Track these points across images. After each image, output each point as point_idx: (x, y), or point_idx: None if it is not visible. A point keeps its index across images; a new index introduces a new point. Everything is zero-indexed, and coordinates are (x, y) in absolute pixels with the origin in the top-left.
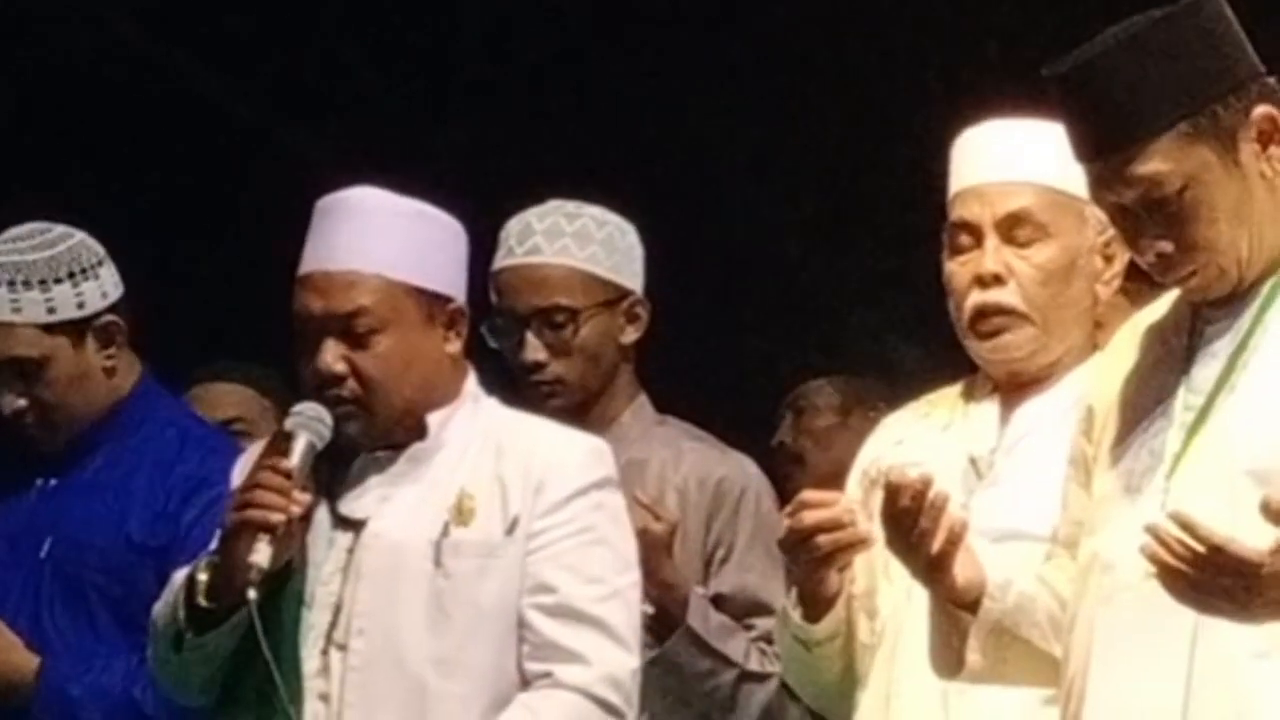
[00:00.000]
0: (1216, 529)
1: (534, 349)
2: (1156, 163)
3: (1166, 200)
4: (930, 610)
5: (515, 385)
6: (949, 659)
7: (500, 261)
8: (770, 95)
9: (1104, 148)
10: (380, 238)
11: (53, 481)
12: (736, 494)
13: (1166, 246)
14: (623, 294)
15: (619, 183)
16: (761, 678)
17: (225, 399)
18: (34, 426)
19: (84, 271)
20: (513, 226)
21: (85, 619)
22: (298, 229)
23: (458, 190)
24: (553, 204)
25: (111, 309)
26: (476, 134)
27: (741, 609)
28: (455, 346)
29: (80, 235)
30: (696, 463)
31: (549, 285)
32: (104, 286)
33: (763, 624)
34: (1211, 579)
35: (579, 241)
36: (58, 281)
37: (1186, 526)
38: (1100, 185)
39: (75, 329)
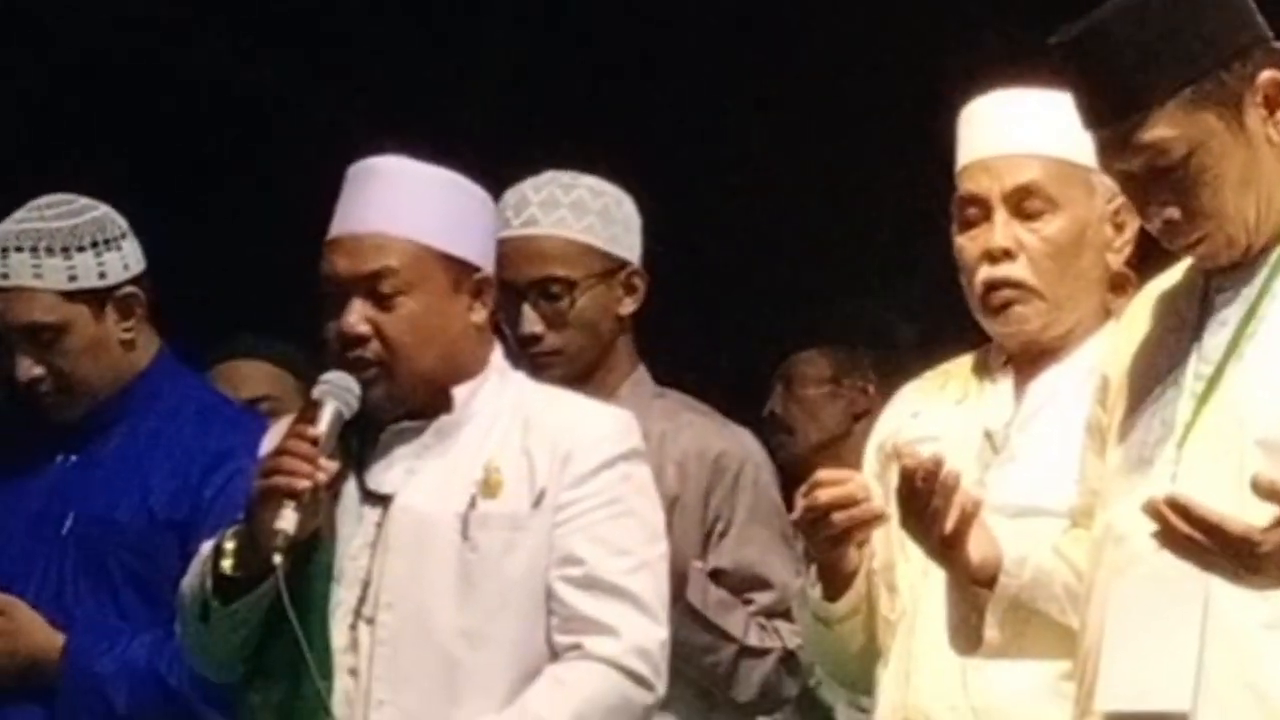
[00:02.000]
0: (1211, 509)
1: (531, 321)
2: (1162, 129)
3: (1172, 167)
4: (947, 588)
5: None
6: (967, 635)
7: (497, 233)
8: (782, 72)
9: (1110, 115)
10: (409, 202)
11: (73, 458)
12: (735, 468)
13: (1174, 213)
14: (620, 265)
15: (629, 155)
16: (761, 653)
17: (251, 376)
18: (50, 395)
19: (107, 242)
20: (509, 198)
21: (109, 595)
22: (325, 204)
23: (480, 162)
24: (549, 175)
25: (133, 281)
26: (497, 106)
27: (740, 583)
28: (481, 316)
29: (105, 208)
30: (695, 436)
31: (545, 257)
32: (126, 259)
33: (761, 598)
34: (1212, 554)
35: (575, 212)
36: (80, 250)
37: (1180, 509)
38: (1107, 153)
39: (96, 298)
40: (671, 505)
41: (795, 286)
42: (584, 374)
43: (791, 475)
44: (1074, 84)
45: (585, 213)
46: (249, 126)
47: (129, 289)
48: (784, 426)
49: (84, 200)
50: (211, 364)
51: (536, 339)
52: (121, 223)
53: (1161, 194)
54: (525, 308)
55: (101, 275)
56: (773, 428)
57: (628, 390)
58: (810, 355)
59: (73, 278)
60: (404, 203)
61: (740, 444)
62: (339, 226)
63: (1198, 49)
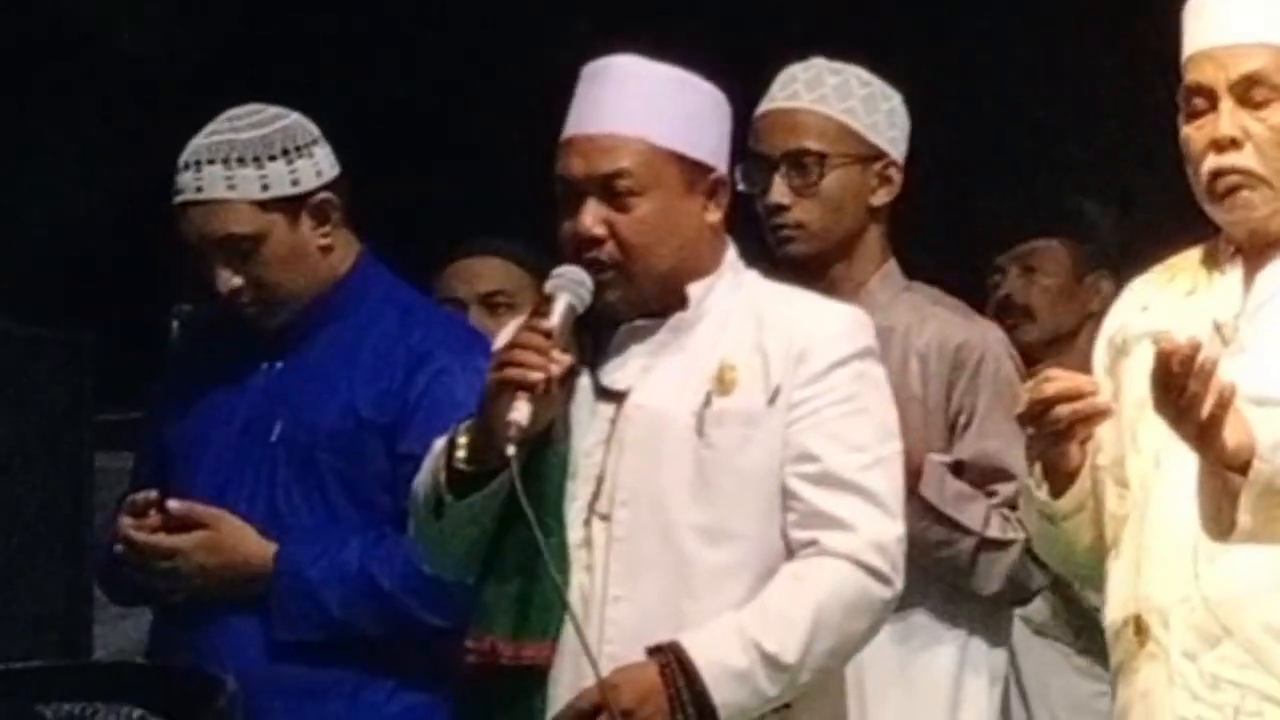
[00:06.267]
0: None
1: (779, 192)
2: None
3: None
4: (1199, 474)
5: (770, 256)
6: (1220, 521)
7: (760, 108)
8: None
9: None
10: (644, 103)
11: (278, 364)
12: (976, 359)
13: None
14: (877, 154)
15: (877, 51)
16: (1002, 544)
17: (486, 272)
18: (251, 305)
19: (298, 149)
20: (778, 78)
21: (320, 500)
22: (552, 110)
23: (713, 61)
24: (819, 59)
25: (327, 187)
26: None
27: (982, 475)
28: (715, 216)
29: (295, 115)
30: (938, 329)
31: (801, 129)
32: (319, 165)
33: (1005, 489)
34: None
35: (839, 93)
36: (272, 159)
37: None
38: None
39: (290, 206)
40: (915, 399)
41: (1028, 181)
42: (827, 256)
43: (1026, 363)
44: None
45: (849, 96)
46: (474, 31)
47: (323, 195)
48: (1024, 311)
49: (274, 109)
50: (446, 263)
51: (782, 209)
52: (313, 129)
53: None
54: (775, 178)
55: (294, 183)
56: (1007, 311)
57: (877, 283)
58: (1053, 244)
59: (265, 187)
60: (639, 103)
61: (982, 336)
62: (574, 126)
63: None
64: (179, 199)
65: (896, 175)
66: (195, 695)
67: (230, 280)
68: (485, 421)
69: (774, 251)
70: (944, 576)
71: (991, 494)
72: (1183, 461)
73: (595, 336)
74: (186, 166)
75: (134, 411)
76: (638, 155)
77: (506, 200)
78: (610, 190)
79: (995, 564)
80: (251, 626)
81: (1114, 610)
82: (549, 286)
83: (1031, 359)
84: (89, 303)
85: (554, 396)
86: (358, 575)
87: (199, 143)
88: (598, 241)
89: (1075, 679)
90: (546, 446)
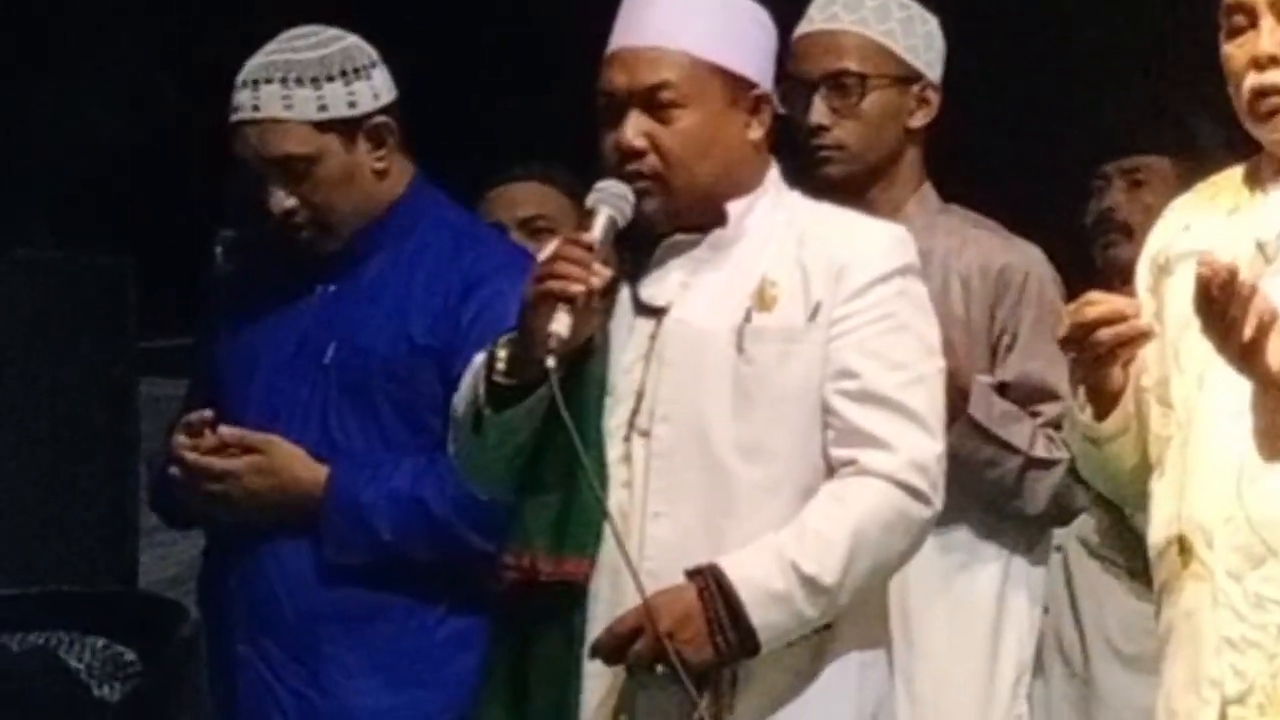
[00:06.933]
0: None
1: (819, 113)
2: None
3: None
4: (1254, 394)
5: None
6: (1274, 440)
7: (799, 30)
8: None
9: None
10: (688, 17)
11: (332, 287)
12: (1019, 281)
13: None
14: (915, 76)
15: None
16: (1048, 464)
17: (526, 197)
18: (305, 227)
19: (356, 71)
20: (816, 1)
21: (372, 423)
22: (594, 33)
23: None
24: None
25: (384, 111)
26: None
27: (1027, 396)
28: (758, 134)
29: (353, 37)
30: (979, 251)
31: (841, 50)
32: (376, 88)
33: (1049, 410)
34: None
35: (878, 15)
36: (330, 80)
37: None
38: None
39: (346, 128)
40: (958, 321)
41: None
42: (864, 177)
43: (1119, 280)
44: None
45: (888, 18)
46: None
47: (380, 118)
48: (1123, 227)
49: (333, 31)
50: (486, 189)
51: (822, 130)
52: (371, 52)
53: None
54: (815, 99)
55: (351, 105)
56: (1108, 225)
57: (914, 207)
58: (1164, 162)
59: (322, 108)
60: (682, 17)
61: (1025, 257)
62: (617, 40)
63: None
64: (235, 117)
65: (934, 97)
66: (160, 624)
67: (284, 201)
68: (525, 334)
69: (812, 174)
70: (989, 497)
71: (1035, 414)
72: (1226, 382)
73: (635, 252)
74: (244, 85)
75: (177, 338)
76: (681, 67)
77: (548, 125)
78: (653, 102)
79: (1041, 483)
80: (302, 550)
81: (1157, 530)
82: (590, 200)
83: (1128, 279)
84: (130, 229)
85: (594, 309)
86: (409, 499)
87: (257, 62)
88: (639, 153)
89: (1129, 600)
90: (585, 362)
